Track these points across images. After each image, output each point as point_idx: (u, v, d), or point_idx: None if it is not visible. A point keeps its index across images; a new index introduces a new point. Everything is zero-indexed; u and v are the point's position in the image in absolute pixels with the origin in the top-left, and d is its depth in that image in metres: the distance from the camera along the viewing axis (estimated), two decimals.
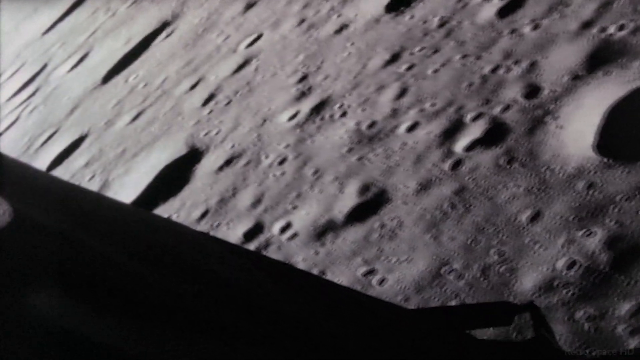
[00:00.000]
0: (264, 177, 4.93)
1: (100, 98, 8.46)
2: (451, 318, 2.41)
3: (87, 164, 6.98)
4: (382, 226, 3.88)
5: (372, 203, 4.08)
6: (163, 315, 1.51)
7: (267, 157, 5.12)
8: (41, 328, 1.32)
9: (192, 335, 1.55)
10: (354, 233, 3.96)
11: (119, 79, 8.57)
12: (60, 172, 7.17)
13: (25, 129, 9.06)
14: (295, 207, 4.44)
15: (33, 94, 10.35)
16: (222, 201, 5.01)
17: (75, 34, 11.53)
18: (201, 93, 6.73)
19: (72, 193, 1.87)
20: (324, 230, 4.12)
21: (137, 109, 7.42)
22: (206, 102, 6.52)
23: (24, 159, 8.06)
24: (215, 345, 1.56)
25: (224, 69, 6.87)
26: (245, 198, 4.86)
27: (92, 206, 1.82)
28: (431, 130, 4.27)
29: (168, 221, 3.99)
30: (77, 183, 6.51)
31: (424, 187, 3.92)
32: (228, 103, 6.22)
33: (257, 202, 4.73)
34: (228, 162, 5.39)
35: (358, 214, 4.07)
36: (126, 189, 6.06)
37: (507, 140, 3.84)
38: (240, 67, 6.67)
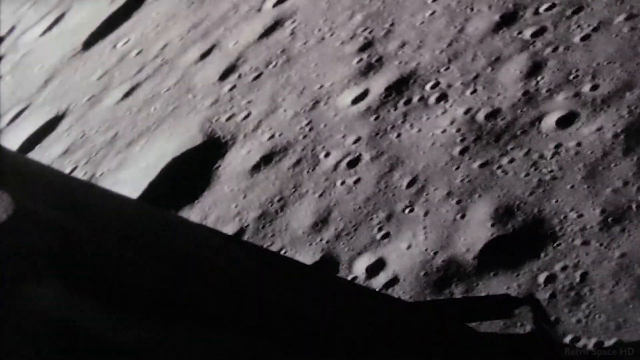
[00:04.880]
0: (328, 185, 3.44)
1: (81, 67, 6.86)
2: (451, 311, 2.22)
3: (66, 152, 5.42)
4: (551, 280, 2.44)
5: (521, 239, 2.63)
6: (165, 308, 1.47)
7: (327, 154, 3.63)
8: (41, 321, 1.30)
9: (193, 328, 1.52)
10: (502, 287, 2.51)
11: (104, 45, 6.97)
12: None
13: None
14: (386, 236, 2.98)
15: None
16: (265, 217, 3.52)
17: None
18: (217, 64, 5.19)
19: (74, 186, 1.83)
20: (446, 278, 2.66)
21: (130, 82, 5.85)
22: (225, 75, 4.99)
23: None
24: (215, 338, 1.52)
25: (246, 33, 5.33)
26: (301, 215, 3.37)
27: (95, 200, 1.76)
28: (603, 125, 2.82)
29: (177, 217, 3.07)
30: None
31: (616, 218, 2.48)
32: (257, 77, 4.69)
33: (321, 222, 3.25)
34: (267, 159, 3.89)
35: (501, 255, 2.62)
36: (121, 188, 4.52)
37: None
38: (269, 31, 5.14)
